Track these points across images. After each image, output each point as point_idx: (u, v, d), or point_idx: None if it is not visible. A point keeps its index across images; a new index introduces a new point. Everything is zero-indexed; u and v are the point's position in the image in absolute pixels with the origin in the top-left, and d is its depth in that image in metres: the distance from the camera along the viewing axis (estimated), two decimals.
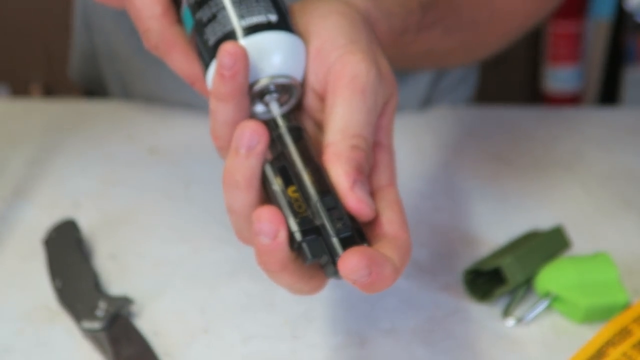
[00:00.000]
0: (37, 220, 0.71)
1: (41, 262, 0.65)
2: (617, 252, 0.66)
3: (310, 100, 0.49)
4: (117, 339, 0.57)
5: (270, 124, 0.47)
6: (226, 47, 0.44)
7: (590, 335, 0.59)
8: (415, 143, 0.85)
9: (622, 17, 1.92)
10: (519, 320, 0.61)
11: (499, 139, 0.86)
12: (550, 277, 0.62)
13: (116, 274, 0.65)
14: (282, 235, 0.43)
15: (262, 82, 0.47)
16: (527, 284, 0.63)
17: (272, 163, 0.45)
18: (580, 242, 0.68)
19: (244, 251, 0.68)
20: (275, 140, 0.47)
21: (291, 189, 0.45)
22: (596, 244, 0.69)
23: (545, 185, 0.79)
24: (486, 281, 0.63)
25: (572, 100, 2.06)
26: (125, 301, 0.60)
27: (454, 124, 0.89)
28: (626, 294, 0.61)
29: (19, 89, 2.21)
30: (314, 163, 0.46)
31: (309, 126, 0.49)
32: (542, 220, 0.72)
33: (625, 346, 0.57)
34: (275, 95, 0.48)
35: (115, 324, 0.59)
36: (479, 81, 1.03)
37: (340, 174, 0.45)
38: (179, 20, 0.51)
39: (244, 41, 0.46)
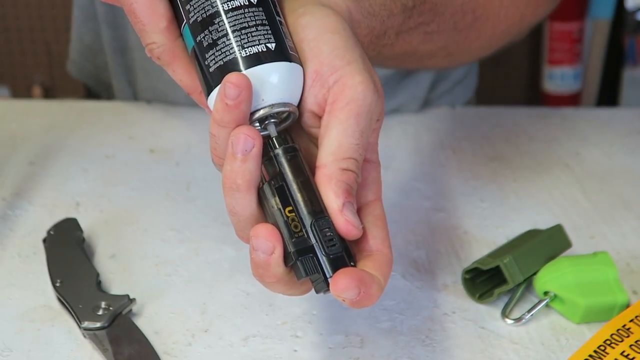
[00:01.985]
0: (37, 220, 0.71)
1: (42, 262, 0.66)
2: (616, 252, 0.67)
3: (308, 119, 0.51)
4: (118, 338, 0.58)
5: (267, 144, 0.49)
6: (231, 78, 0.46)
7: (589, 335, 0.59)
8: (415, 143, 0.85)
9: (621, 17, 1.92)
10: (518, 320, 0.61)
11: (499, 139, 0.86)
12: (549, 276, 0.62)
13: (117, 273, 0.65)
14: (278, 253, 0.47)
15: (262, 112, 0.49)
16: (526, 283, 0.63)
17: (270, 183, 0.48)
18: (580, 242, 0.68)
19: (244, 251, 0.68)
20: (272, 160, 0.49)
21: (288, 209, 0.48)
22: (595, 244, 0.69)
23: (545, 185, 0.79)
24: (485, 281, 0.63)
25: (572, 100, 2.06)
26: (126, 300, 0.60)
27: (453, 124, 0.89)
28: (625, 293, 0.61)
29: (20, 90, 2.21)
30: (308, 183, 0.49)
31: (304, 140, 0.52)
32: (541, 220, 0.72)
33: (624, 346, 0.57)
34: (273, 120, 0.50)
35: (115, 324, 0.59)
36: (479, 82, 1.03)
37: (330, 197, 0.48)
38: (181, 33, 0.52)
39: (245, 72, 0.48)
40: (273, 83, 0.48)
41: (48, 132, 0.86)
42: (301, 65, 0.50)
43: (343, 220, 0.48)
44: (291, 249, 0.47)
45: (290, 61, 0.49)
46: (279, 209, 0.48)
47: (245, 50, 0.48)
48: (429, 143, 0.84)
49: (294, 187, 0.48)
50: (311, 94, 0.50)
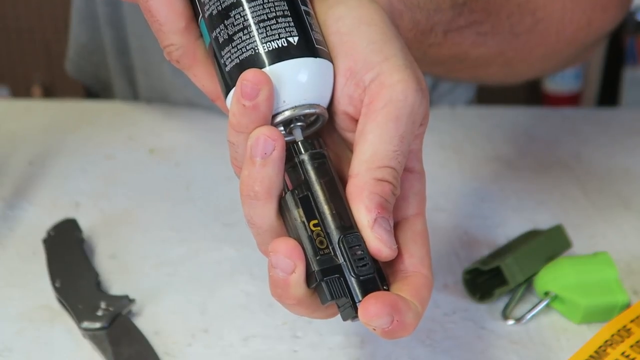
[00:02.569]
0: (37, 220, 0.71)
1: (42, 262, 0.65)
2: (616, 252, 0.66)
3: (342, 122, 0.46)
4: (118, 338, 0.57)
5: (291, 149, 0.44)
6: (247, 75, 0.42)
7: (590, 335, 0.59)
8: None
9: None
10: (518, 320, 0.61)
11: (499, 139, 0.86)
12: (549, 276, 0.62)
13: (116, 273, 0.65)
14: (299, 272, 0.42)
15: (285, 115, 0.44)
16: (527, 283, 0.63)
17: (293, 192, 0.43)
18: (580, 242, 0.68)
19: (244, 251, 0.68)
20: (296, 167, 0.44)
21: (313, 222, 0.43)
22: (595, 244, 0.69)
23: (545, 185, 0.79)
24: (486, 281, 0.63)
25: (572, 100, 2.06)
26: (126, 301, 0.60)
27: (454, 124, 0.89)
28: (626, 294, 0.61)
29: (20, 90, 2.21)
30: (337, 194, 0.44)
31: (338, 146, 0.47)
32: (541, 220, 0.72)
33: (624, 346, 0.57)
34: (299, 124, 0.45)
35: (115, 324, 0.59)
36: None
37: (361, 210, 0.43)
38: (201, 34, 0.47)
39: (264, 70, 0.43)
40: (297, 82, 0.43)
41: (48, 132, 0.86)
42: (331, 61, 0.45)
43: (374, 238, 0.42)
44: (315, 267, 0.42)
45: (317, 56, 0.44)
46: (303, 222, 0.43)
47: (265, 46, 0.43)
48: (429, 143, 0.84)
49: (320, 197, 0.43)
50: (345, 94, 0.45)
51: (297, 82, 0.43)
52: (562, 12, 0.65)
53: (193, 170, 0.79)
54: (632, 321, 0.58)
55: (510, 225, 0.71)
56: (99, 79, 1.00)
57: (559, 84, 2.05)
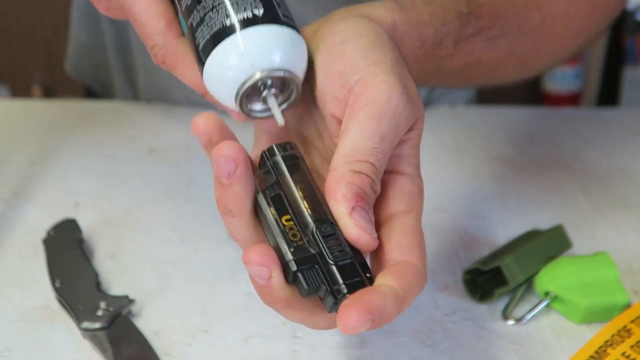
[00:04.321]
0: (37, 220, 0.71)
1: (41, 262, 0.65)
2: (616, 252, 0.66)
3: (331, 125, 0.47)
4: (118, 338, 0.57)
5: (264, 156, 0.45)
6: (220, 150, 0.42)
7: (590, 335, 0.59)
8: None
9: (621, 17, 1.92)
10: (519, 321, 0.61)
11: (499, 139, 0.86)
12: (550, 277, 0.62)
13: (116, 273, 0.65)
14: (276, 274, 0.42)
15: (256, 77, 0.45)
16: (527, 283, 0.63)
17: (265, 192, 0.43)
18: (580, 242, 0.68)
19: None
20: (269, 170, 0.45)
21: (285, 217, 0.42)
22: (596, 244, 0.69)
23: (545, 185, 0.79)
24: (486, 281, 0.63)
25: (572, 100, 2.06)
26: (126, 301, 0.60)
27: (454, 124, 0.89)
28: (626, 294, 0.61)
29: (20, 90, 2.21)
30: (312, 192, 0.44)
31: (330, 153, 0.46)
32: (542, 220, 0.72)
33: (624, 346, 0.57)
34: (273, 91, 0.46)
35: (115, 324, 0.59)
36: None
37: (338, 200, 0.43)
38: (182, 31, 0.50)
39: (229, 39, 0.45)
40: (264, 45, 0.45)
41: (48, 132, 0.86)
42: (300, 34, 0.46)
43: (352, 224, 0.42)
44: (289, 258, 0.41)
45: (283, 25, 0.46)
46: (275, 219, 0.42)
47: (233, 17, 0.45)
48: (429, 143, 0.84)
49: (293, 194, 0.43)
50: (332, 95, 0.46)
51: (264, 46, 0.45)
52: (566, 4, 0.66)
53: (193, 170, 0.79)
54: (632, 321, 0.58)
55: (510, 225, 0.71)
56: (99, 79, 1.00)
57: (559, 84, 2.05)
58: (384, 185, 0.46)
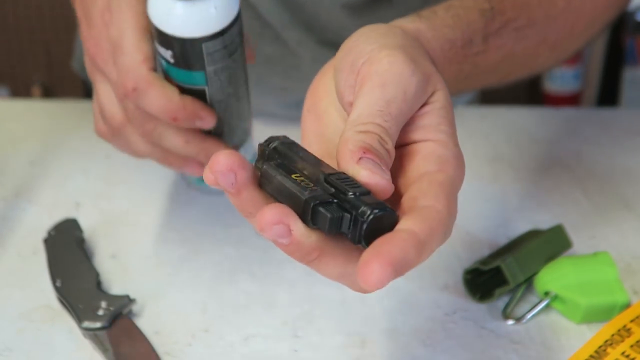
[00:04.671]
0: (38, 220, 0.71)
1: (42, 262, 0.66)
2: (616, 252, 0.66)
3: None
4: (118, 338, 0.58)
5: (262, 145, 0.44)
6: (214, 166, 0.41)
7: (590, 335, 0.59)
8: None
9: (621, 18, 1.92)
10: (519, 320, 0.61)
11: (499, 139, 0.86)
12: (550, 276, 0.62)
13: (117, 273, 0.65)
14: (296, 225, 0.40)
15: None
16: (527, 283, 0.63)
17: (269, 164, 0.42)
18: (580, 242, 0.68)
19: (244, 251, 0.68)
20: (272, 152, 0.43)
21: (294, 175, 0.41)
22: (596, 244, 0.69)
23: (545, 185, 0.79)
24: (486, 281, 0.63)
25: (572, 100, 2.06)
26: (126, 300, 0.60)
27: None
28: (626, 293, 0.61)
29: (19, 90, 2.21)
30: (316, 160, 0.42)
31: None
32: (542, 220, 0.72)
33: (624, 346, 0.57)
34: None
35: (116, 324, 0.59)
36: None
37: (346, 155, 0.42)
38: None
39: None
40: None
41: (48, 132, 0.86)
42: None
43: (361, 168, 0.41)
44: (305, 197, 0.39)
45: None
46: (284, 176, 0.41)
47: None
48: None
49: (298, 162, 0.42)
50: (347, 85, 0.46)
51: None
52: None
53: None
54: (632, 321, 0.58)
55: (510, 225, 0.71)
56: None
57: (559, 84, 2.05)
58: (414, 152, 0.45)
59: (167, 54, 0.57)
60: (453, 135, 0.46)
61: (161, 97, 0.57)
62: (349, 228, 0.40)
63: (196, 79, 0.58)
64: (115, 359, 0.56)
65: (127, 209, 0.74)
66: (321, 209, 0.39)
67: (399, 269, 0.38)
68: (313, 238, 0.40)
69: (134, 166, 0.80)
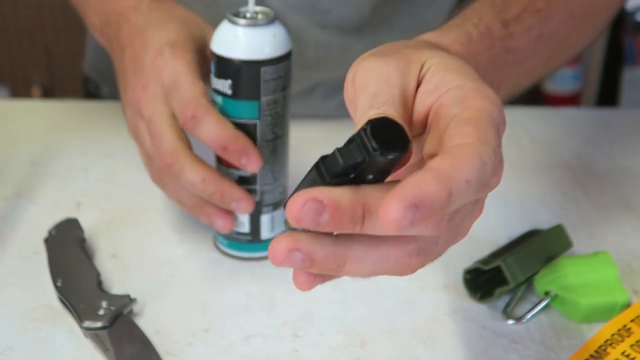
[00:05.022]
0: (38, 220, 0.71)
1: (43, 262, 0.66)
2: (616, 252, 0.67)
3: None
4: (119, 338, 0.58)
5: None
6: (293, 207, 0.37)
7: (590, 334, 0.59)
8: None
9: (621, 18, 1.92)
10: (519, 320, 0.61)
11: None
12: (550, 276, 0.62)
13: (118, 273, 0.65)
14: (323, 192, 0.37)
15: None
16: (527, 283, 0.63)
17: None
18: (580, 242, 0.68)
19: None
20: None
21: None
22: (596, 244, 0.70)
23: (546, 185, 0.79)
24: (486, 280, 0.63)
25: (572, 100, 2.06)
26: (127, 300, 0.60)
27: None
28: (626, 293, 0.61)
29: (19, 90, 2.21)
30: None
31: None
32: (542, 220, 0.72)
33: (624, 345, 0.57)
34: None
35: (116, 323, 0.59)
36: None
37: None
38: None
39: None
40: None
41: (49, 132, 0.86)
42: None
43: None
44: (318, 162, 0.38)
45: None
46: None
47: None
48: None
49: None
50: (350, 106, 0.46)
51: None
52: None
53: None
54: (632, 321, 0.59)
55: (511, 225, 0.72)
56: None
57: (559, 85, 2.05)
58: (436, 115, 0.43)
59: (226, 84, 0.61)
60: (466, 75, 0.44)
61: (217, 125, 0.60)
62: (361, 152, 0.37)
63: (250, 111, 0.61)
64: (116, 359, 0.56)
65: (128, 208, 0.74)
66: (328, 155, 0.38)
67: (418, 204, 0.34)
68: (347, 194, 0.37)
69: (134, 166, 0.80)
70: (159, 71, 0.62)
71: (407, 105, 0.44)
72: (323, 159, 0.39)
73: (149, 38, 0.64)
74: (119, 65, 0.69)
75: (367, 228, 0.38)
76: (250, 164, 0.61)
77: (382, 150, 0.37)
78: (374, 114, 0.42)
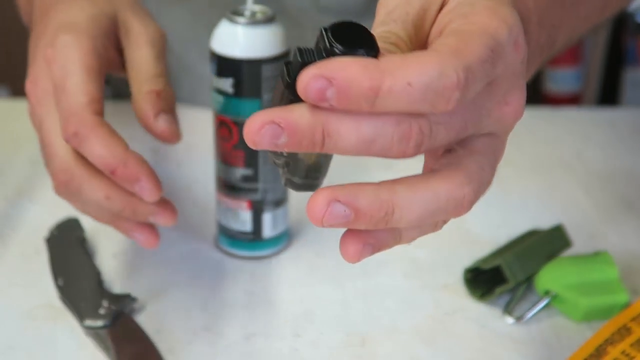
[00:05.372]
0: (40, 219, 0.71)
1: (44, 261, 0.66)
2: (617, 252, 0.67)
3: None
4: (120, 336, 0.58)
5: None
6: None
7: (590, 334, 0.59)
8: None
9: (622, 18, 1.92)
10: (519, 319, 0.61)
11: None
12: (550, 276, 0.62)
13: (119, 272, 0.65)
14: (280, 112, 0.35)
15: None
16: (527, 282, 0.63)
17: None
18: (580, 241, 0.68)
19: None
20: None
21: None
22: (596, 243, 0.70)
23: (546, 185, 0.79)
24: (486, 280, 0.63)
25: (572, 101, 2.06)
26: (128, 299, 0.60)
27: None
28: (626, 293, 0.61)
29: (20, 90, 2.21)
30: None
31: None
32: (542, 220, 0.72)
33: (624, 345, 0.57)
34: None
35: (118, 322, 0.59)
36: None
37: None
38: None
39: None
40: None
41: None
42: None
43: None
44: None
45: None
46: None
47: None
48: None
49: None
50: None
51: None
52: None
53: (194, 171, 0.79)
54: (632, 320, 0.59)
55: (511, 224, 0.72)
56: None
57: (559, 85, 2.04)
58: (442, 29, 0.40)
59: (228, 83, 0.61)
60: (470, 16, 0.40)
61: (103, 146, 0.52)
62: (321, 52, 0.36)
63: (252, 110, 0.61)
64: (117, 358, 0.56)
65: None
66: (291, 57, 0.37)
67: (332, 78, 0.33)
68: (306, 115, 0.35)
69: None
70: (49, 63, 0.55)
71: (423, 26, 0.41)
72: (287, 63, 0.37)
73: (50, 19, 0.57)
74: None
75: (328, 148, 0.35)
76: (144, 192, 0.54)
77: (344, 48, 0.35)
78: (380, 31, 0.39)
